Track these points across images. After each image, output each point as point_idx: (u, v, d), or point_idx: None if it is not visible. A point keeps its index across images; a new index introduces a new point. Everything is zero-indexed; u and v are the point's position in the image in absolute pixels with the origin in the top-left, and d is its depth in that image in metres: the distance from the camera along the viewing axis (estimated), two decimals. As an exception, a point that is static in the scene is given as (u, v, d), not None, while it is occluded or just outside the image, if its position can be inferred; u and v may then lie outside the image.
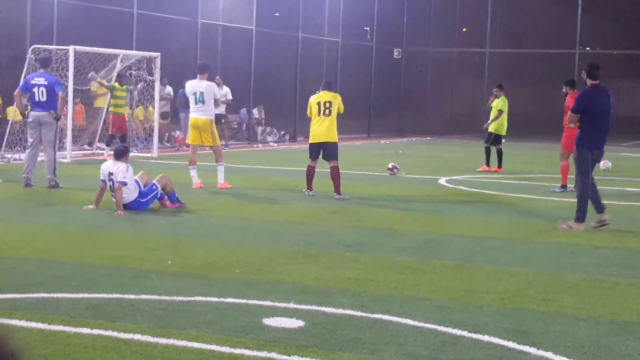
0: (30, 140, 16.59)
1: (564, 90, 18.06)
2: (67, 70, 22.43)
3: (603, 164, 23.66)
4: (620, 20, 48.21)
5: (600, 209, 13.03)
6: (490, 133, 22.94)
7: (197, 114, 17.03)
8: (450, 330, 6.94)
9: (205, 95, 16.95)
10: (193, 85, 17.11)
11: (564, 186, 17.75)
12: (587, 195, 12.95)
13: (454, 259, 10.17)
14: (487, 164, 22.88)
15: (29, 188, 16.05)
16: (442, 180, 19.71)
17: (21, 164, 17.74)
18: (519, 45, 44.36)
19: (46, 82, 16.35)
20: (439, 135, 41.62)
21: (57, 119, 16.53)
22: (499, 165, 22.73)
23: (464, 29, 46.69)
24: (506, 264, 10.00)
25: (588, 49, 42.44)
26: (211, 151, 17.60)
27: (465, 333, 6.87)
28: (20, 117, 21.90)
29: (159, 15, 29.52)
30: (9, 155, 22.00)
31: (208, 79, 17.34)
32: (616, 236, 12.41)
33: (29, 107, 16.88)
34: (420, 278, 9.03)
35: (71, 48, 22.37)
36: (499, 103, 22.95)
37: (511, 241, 11.74)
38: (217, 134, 17.54)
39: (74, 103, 24.66)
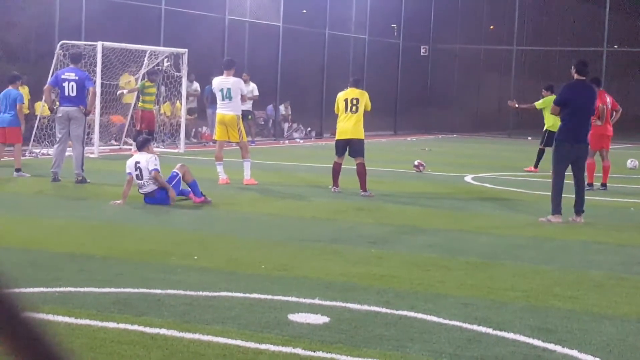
0: (58, 135, 16.69)
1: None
2: (95, 66, 22.54)
3: (630, 163, 23.52)
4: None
5: (556, 210, 13.17)
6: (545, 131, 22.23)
7: (224, 110, 17.08)
8: (475, 327, 6.94)
9: (232, 92, 16.99)
10: (220, 82, 17.18)
11: (590, 184, 17.65)
12: (559, 189, 13.16)
13: (479, 256, 10.16)
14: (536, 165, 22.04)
15: (57, 183, 16.15)
16: (468, 178, 19.68)
17: (49, 159, 17.87)
18: (547, 43, 44.13)
19: (77, 77, 16.43)
20: (465, 132, 41.50)
21: (87, 114, 16.65)
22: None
23: (492, 27, 46.51)
24: (531, 262, 9.98)
25: (616, 47, 42.19)
26: (238, 147, 17.66)
27: (490, 330, 6.86)
28: (48, 112, 22.07)
29: (186, 11, 29.61)
30: (37, 150, 22.14)
31: (235, 75, 17.40)
32: (643, 235, 12.36)
33: (57, 103, 16.97)
34: (445, 275, 9.03)
35: (99, 44, 22.50)
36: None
37: (536, 239, 11.71)
38: (244, 130, 17.60)
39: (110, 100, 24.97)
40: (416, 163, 20.93)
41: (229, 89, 17.00)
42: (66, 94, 16.41)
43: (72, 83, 16.37)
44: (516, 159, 25.83)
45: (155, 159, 13.80)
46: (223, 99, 17.05)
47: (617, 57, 43.05)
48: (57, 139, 16.72)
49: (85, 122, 16.82)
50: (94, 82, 18.63)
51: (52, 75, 18.44)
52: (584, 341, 6.70)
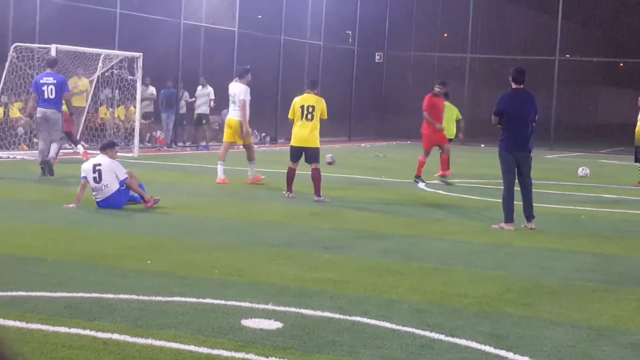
0: (39, 134, 17.92)
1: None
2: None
3: (581, 171, 23.78)
4: (600, 28, 48.47)
5: (509, 218, 13.30)
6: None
7: (231, 115, 18.36)
8: (427, 333, 6.97)
9: (237, 97, 18.07)
10: (231, 87, 18.36)
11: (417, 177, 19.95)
12: (509, 197, 13.32)
13: (433, 262, 10.21)
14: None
15: (24, 183, 16.58)
16: (422, 184, 19.77)
17: (4, 162, 17.71)
18: (500, 51, 44.54)
19: (55, 82, 17.78)
20: (419, 139, 41.60)
21: (72, 114, 18.45)
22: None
23: (445, 34, 46.80)
24: (484, 268, 10.05)
25: (568, 56, 42.65)
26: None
27: (442, 336, 6.90)
28: (1, 116, 22.52)
29: (142, 15, 29.45)
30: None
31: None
32: (594, 242, 12.49)
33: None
34: (398, 281, 9.06)
35: (53, 47, 22.29)
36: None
37: (489, 245, 11.79)
38: (250, 133, 18.41)
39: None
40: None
41: (235, 95, 18.11)
42: (45, 96, 17.65)
43: (51, 86, 17.68)
44: (469, 165, 25.99)
45: (121, 166, 13.91)
46: (232, 104, 18.14)
47: (568, 66, 43.53)
48: (39, 137, 17.94)
49: (61, 123, 18.09)
50: (70, 89, 19.47)
51: (4, 80, 19.00)
52: (536, 348, 6.76)
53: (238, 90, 18.19)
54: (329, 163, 23.52)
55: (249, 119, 18.60)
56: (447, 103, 23.08)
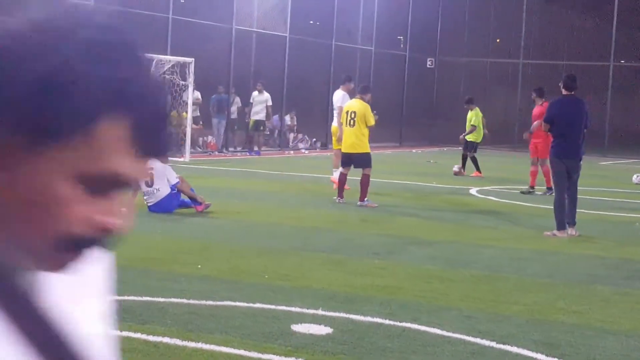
0: None
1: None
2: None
3: (636, 178, 23.50)
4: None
5: (561, 225, 13.10)
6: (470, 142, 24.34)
7: (334, 121, 18.35)
8: (478, 340, 6.93)
9: (335, 104, 18.28)
10: (334, 94, 18.63)
11: (549, 188, 18.35)
12: (561, 204, 13.15)
13: (483, 269, 10.15)
14: (478, 170, 24.00)
15: None
16: (473, 191, 19.65)
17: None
18: (553, 56, 44.13)
19: None
20: (471, 145, 41.42)
21: None
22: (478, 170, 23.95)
23: (498, 40, 46.52)
24: (535, 275, 9.96)
25: (623, 61, 42.16)
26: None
27: (493, 344, 6.84)
28: None
29: (194, 20, 29.65)
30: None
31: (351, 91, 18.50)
32: (647, 250, 12.32)
33: None
34: (448, 287, 9.02)
35: (106, 52, 22.51)
36: (472, 117, 24.47)
37: (540, 252, 11.69)
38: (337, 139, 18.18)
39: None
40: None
41: (334, 102, 18.38)
42: None
43: None
44: (522, 172, 25.77)
45: (172, 170, 14.02)
46: (334, 111, 18.44)
47: (623, 71, 43.00)
48: None
49: None
50: None
51: None
52: (588, 356, 6.68)
53: (335, 97, 18.43)
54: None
55: None
56: (475, 110, 24.19)
